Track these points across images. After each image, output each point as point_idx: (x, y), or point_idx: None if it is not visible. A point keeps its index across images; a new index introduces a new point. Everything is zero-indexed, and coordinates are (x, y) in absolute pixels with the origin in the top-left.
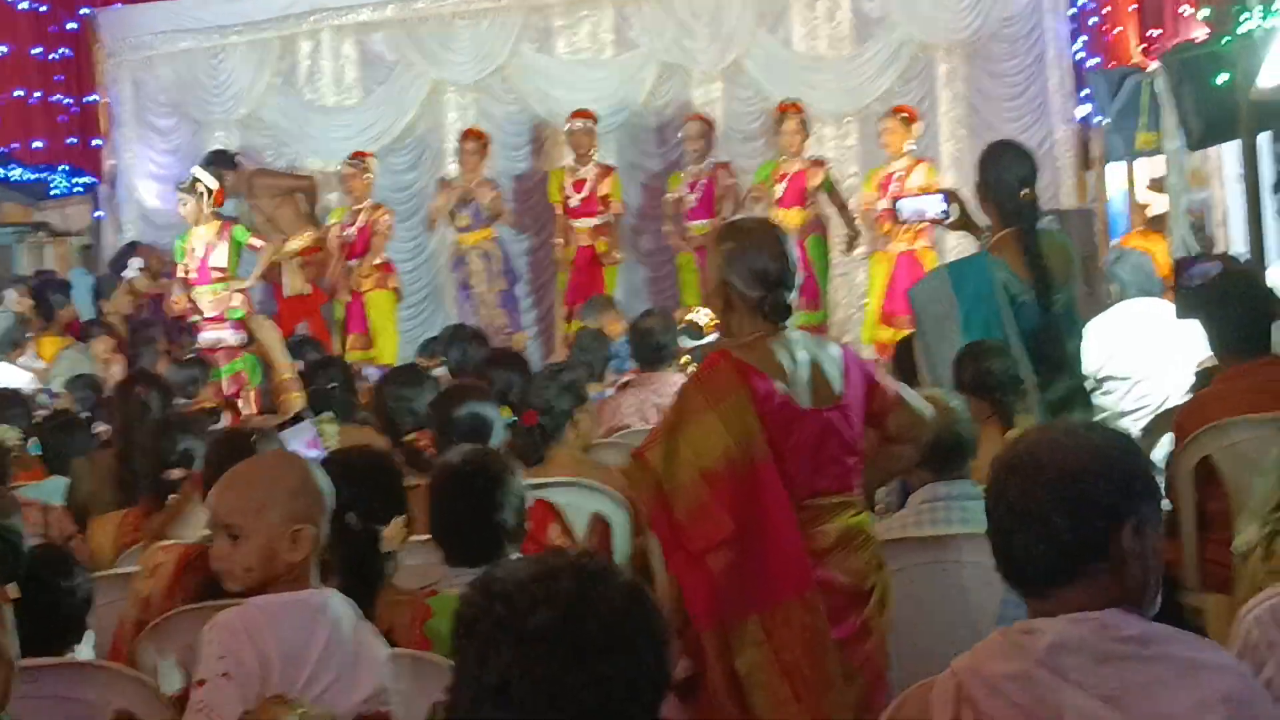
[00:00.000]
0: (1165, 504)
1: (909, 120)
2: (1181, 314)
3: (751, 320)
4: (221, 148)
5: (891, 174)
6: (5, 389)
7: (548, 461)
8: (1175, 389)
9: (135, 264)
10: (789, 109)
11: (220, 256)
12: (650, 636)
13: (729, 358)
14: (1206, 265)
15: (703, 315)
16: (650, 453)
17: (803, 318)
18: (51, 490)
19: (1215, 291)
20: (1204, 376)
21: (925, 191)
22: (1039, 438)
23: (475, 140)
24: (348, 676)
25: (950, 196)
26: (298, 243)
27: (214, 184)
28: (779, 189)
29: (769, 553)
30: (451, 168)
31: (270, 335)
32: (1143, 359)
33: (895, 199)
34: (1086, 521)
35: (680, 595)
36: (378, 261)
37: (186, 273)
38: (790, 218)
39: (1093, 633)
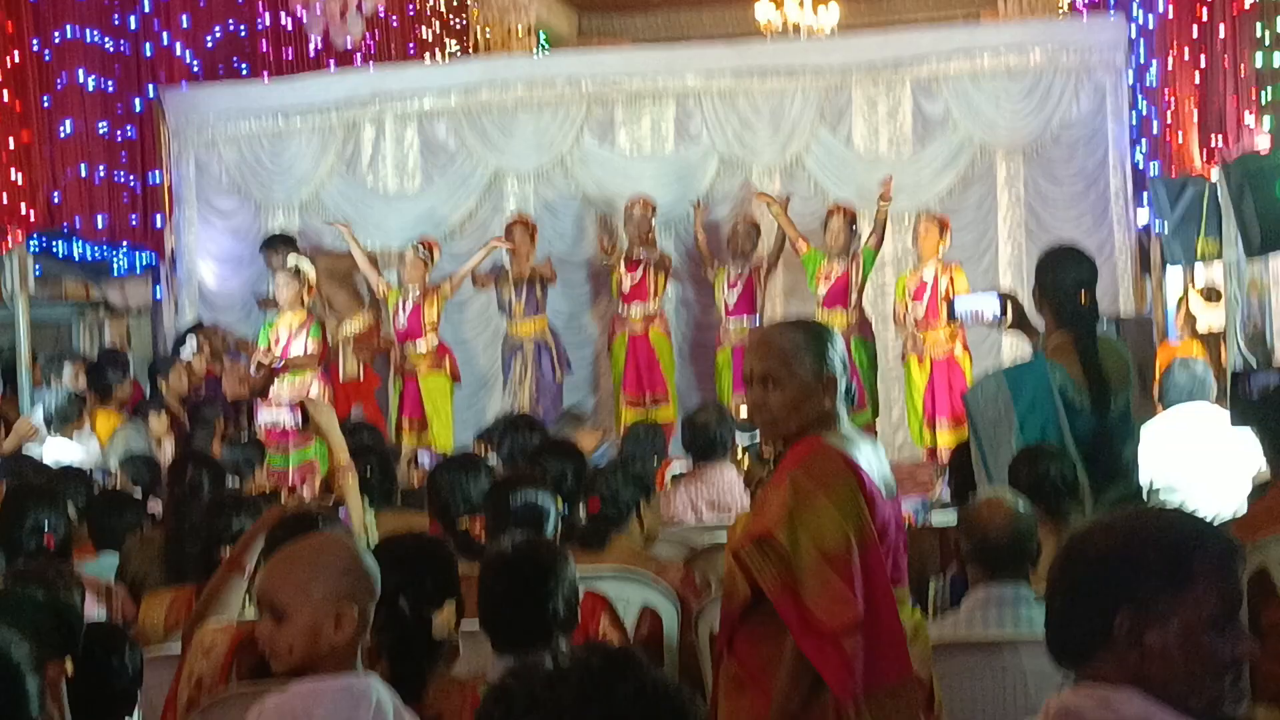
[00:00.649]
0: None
1: (944, 227)
2: (1237, 422)
3: (834, 413)
4: (282, 231)
5: (925, 282)
6: (65, 465)
7: (608, 549)
8: (1227, 498)
9: (192, 343)
10: (835, 210)
11: (299, 346)
12: None
13: (829, 444)
14: (1265, 376)
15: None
16: (779, 533)
17: (857, 418)
18: (105, 567)
19: (1274, 403)
20: (1260, 489)
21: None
22: (1095, 521)
23: (523, 227)
24: None
25: (1005, 297)
26: (354, 325)
27: (312, 273)
28: (822, 289)
29: (880, 635)
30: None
31: (328, 418)
32: (1194, 467)
33: (949, 299)
34: (1078, 605)
35: (795, 677)
36: (433, 346)
37: (270, 360)
38: (834, 319)
39: (1093, 705)
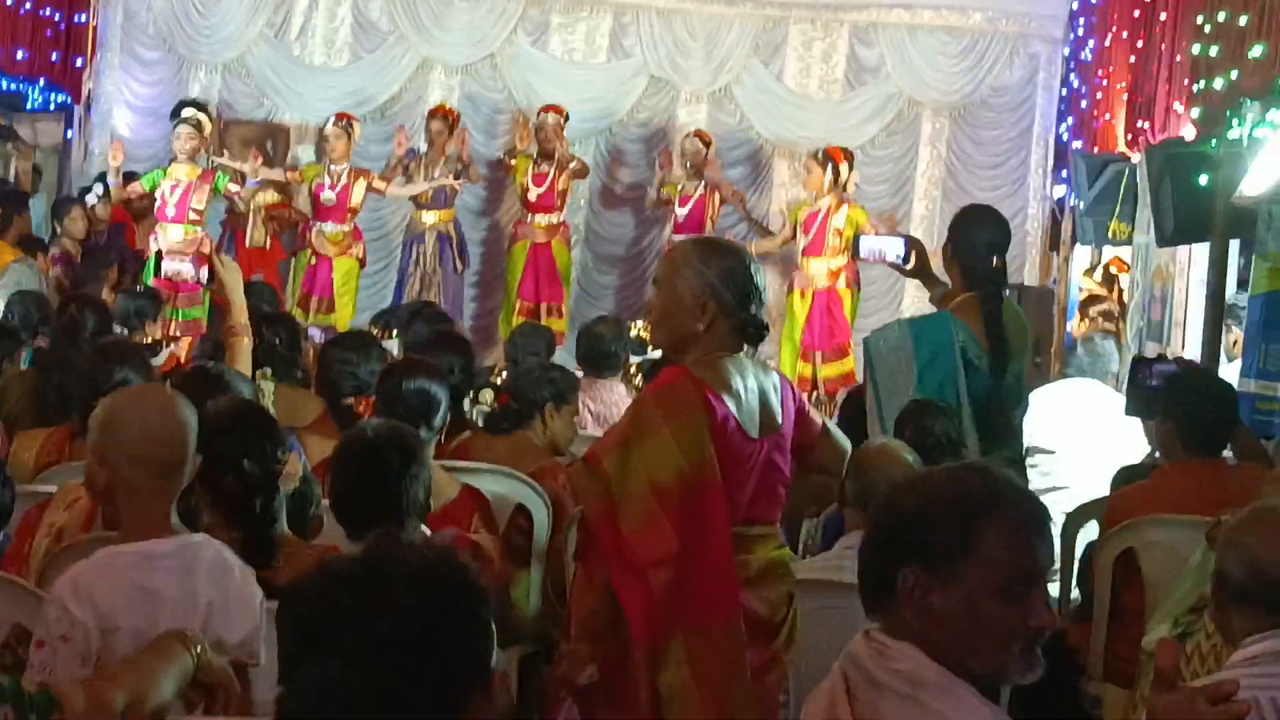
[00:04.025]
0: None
1: (830, 158)
2: (1131, 411)
3: (721, 339)
4: (197, 98)
5: (816, 212)
6: None
7: (510, 437)
8: (1089, 475)
9: (98, 189)
10: (812, 156)
11: (200, 199)
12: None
13: (689, 375)
14: (1165, 365)
15: (646, 330)
16: (606, 460)
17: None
18: None
19: (1182, 388)
20: (1137, 470)
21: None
22: (908, 478)
23: (442, 120)
24: (219, 620)
25: (911, 243)
26: (267, 195)
27: (208, 127)
28: (802, 241)
29: (703, 574)
30: (423, 145)
31: (234, 278)
32: (1071, 438)
33: (856, 234)
34: (869, 558)
35: (609, 599)
36: (349, 229)
37: (160, 207)
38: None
39: (873, 655)
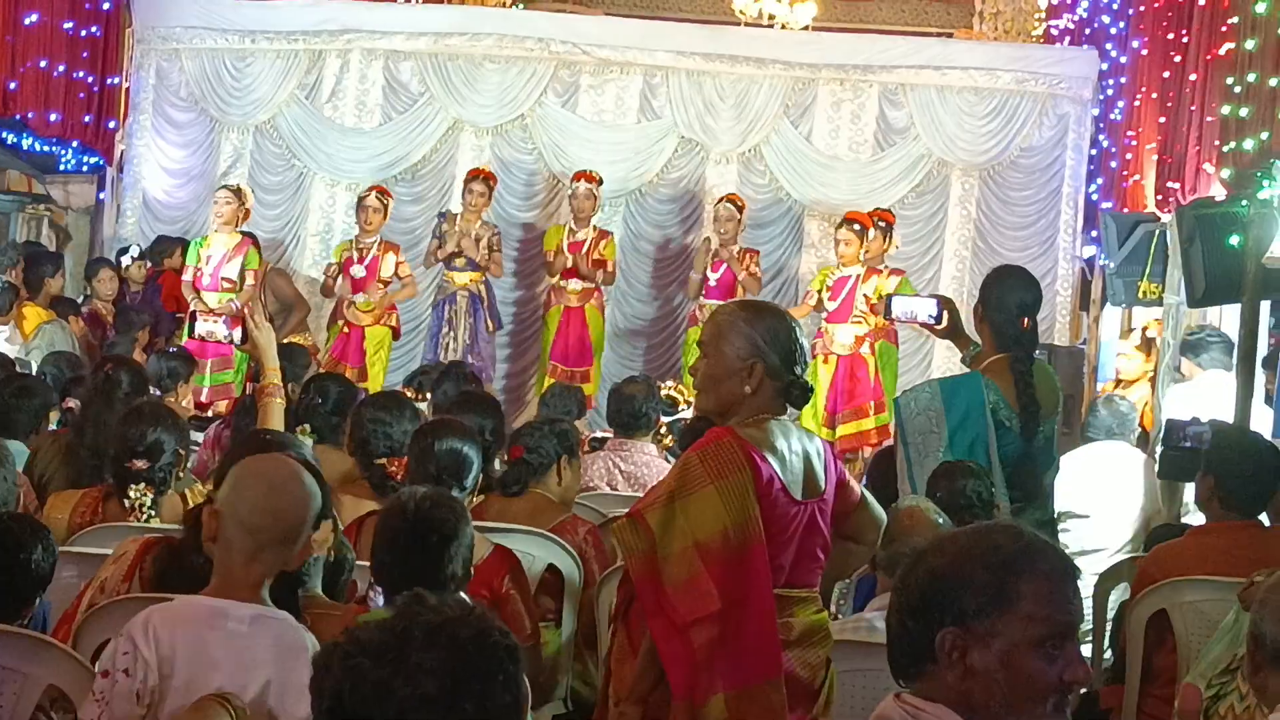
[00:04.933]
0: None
1: (865, 228)
2: (1165, 474)
3: (767, 401)
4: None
5: (845, 279)
6: None
7: (524, 496)
8: (1119, 539)
9: (134, 251)
10: (844, 221)
11: (233, 269)
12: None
13: (735, 435)
14: (1199, 427)
15: (676, 390)
16: (650, 516)
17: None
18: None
19: (1223, 446)
20: (1169, 529)
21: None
22: (938, 538)
23: (483, 182)
24: (277, 700)
25: (944, 303)
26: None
27: (251, 198)
28: (831, 304)
29: (746, 634)
30: (456, 205)
31: (267, 337)
32: (1102, 502)
33: (889, 295)
34: (901, 621)
35: (652, 658)
36: (380, 301)
37: (197, 275)
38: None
39: (901, 717)
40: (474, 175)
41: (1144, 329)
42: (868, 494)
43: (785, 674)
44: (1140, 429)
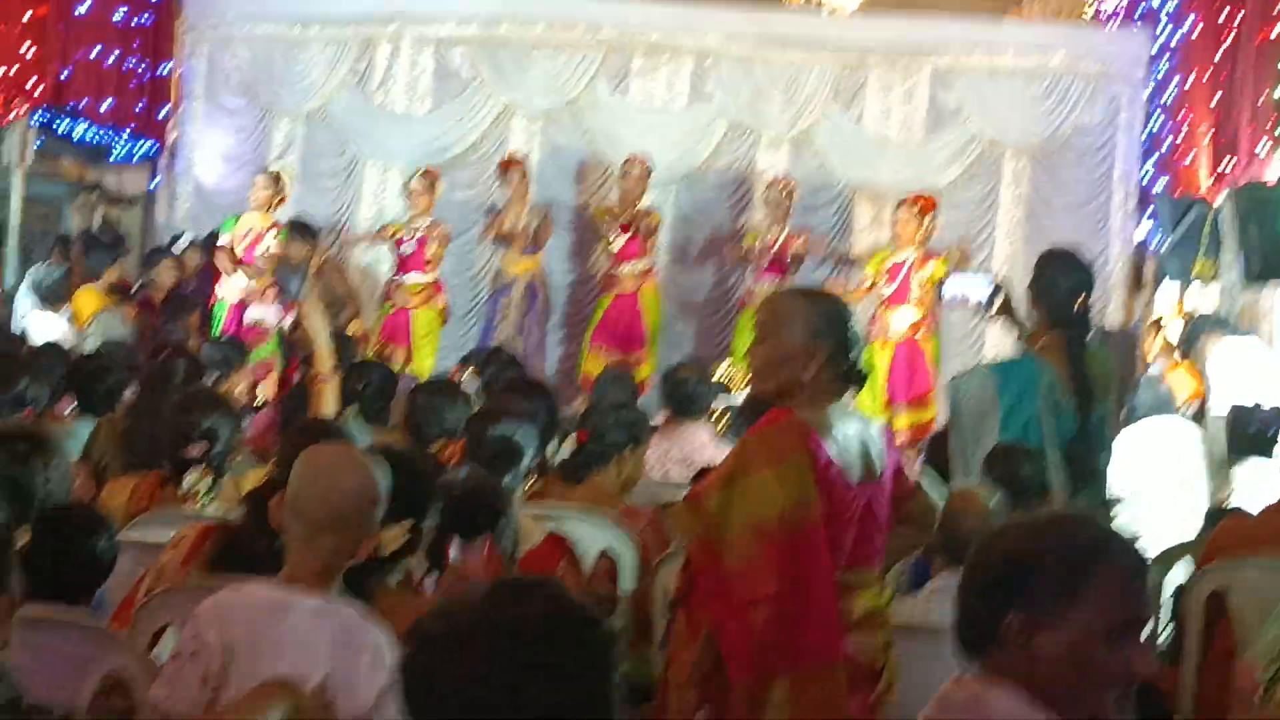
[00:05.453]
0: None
1: (924, 211)
2: (1237, 450)
3: (825, 386)
4: (307, 222)
5: (901, 263)
6: (46, 343)
7: (584, 484)
8: (1182, 514)
9: (187, 238)
10: (903, 201)
11: (263, 245)
12: (580, 660)
13: (794, 419)
14: (1265, 412)
15: (730, 373)
16: (708, 499)
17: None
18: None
19: None
20: (1225, 511)
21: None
22: (1009, 522)
23: (517, 169)
24: (334, 693)
25: (997, 285)
26: (354, 326)
27: (288, 186)
28: (886, 289)
29: (807, 617)
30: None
31: (319, 322)
32: (1156, 480)
33: (942, 278)
34: (970, 602)
35: (711, 640)
36: (429, 280)
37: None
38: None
39: (965, 698)
40: (505, 166)
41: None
42: (923, 481)
43: (846, 657)
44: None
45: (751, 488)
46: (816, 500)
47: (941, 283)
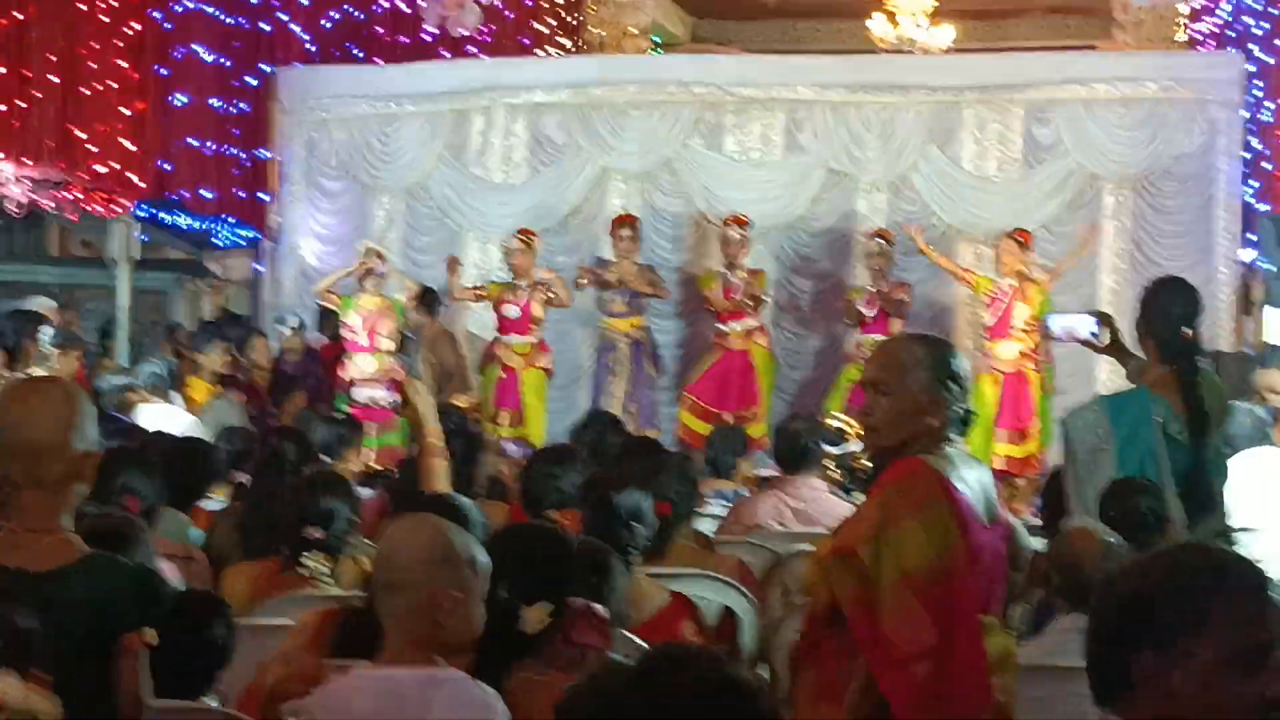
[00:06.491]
0: None
1: (1024, 244)
2: None
3: (945, 432)
4: (435, 291)
5: (1001, 296)
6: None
7: (666, 554)
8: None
9: (291, 320)
10: (1006, 236)
11: (384, 326)
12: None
13: (928, 466)
14: None
15: (841, 421)
16: (862, 550)
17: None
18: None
19: None
20: None
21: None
22: (1128, 563)
23: (629, 227)
24: None
25: (1103, 319)
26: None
27: (388, 267)
28: (989, 318)
29: (958, 664)
30: (608, 254)
31: (425, 400)
32: (1258, 511)
33: (1047, 314)
34: (1098, 648)
35: (866, 696)
36: (535, 340)
37: (354, 334)
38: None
39: None
40: (619, 222)
41: None
42: (1016, 522)
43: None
44: None
45: (899, 538)
46: (961, 546)
47: (1045, 318)
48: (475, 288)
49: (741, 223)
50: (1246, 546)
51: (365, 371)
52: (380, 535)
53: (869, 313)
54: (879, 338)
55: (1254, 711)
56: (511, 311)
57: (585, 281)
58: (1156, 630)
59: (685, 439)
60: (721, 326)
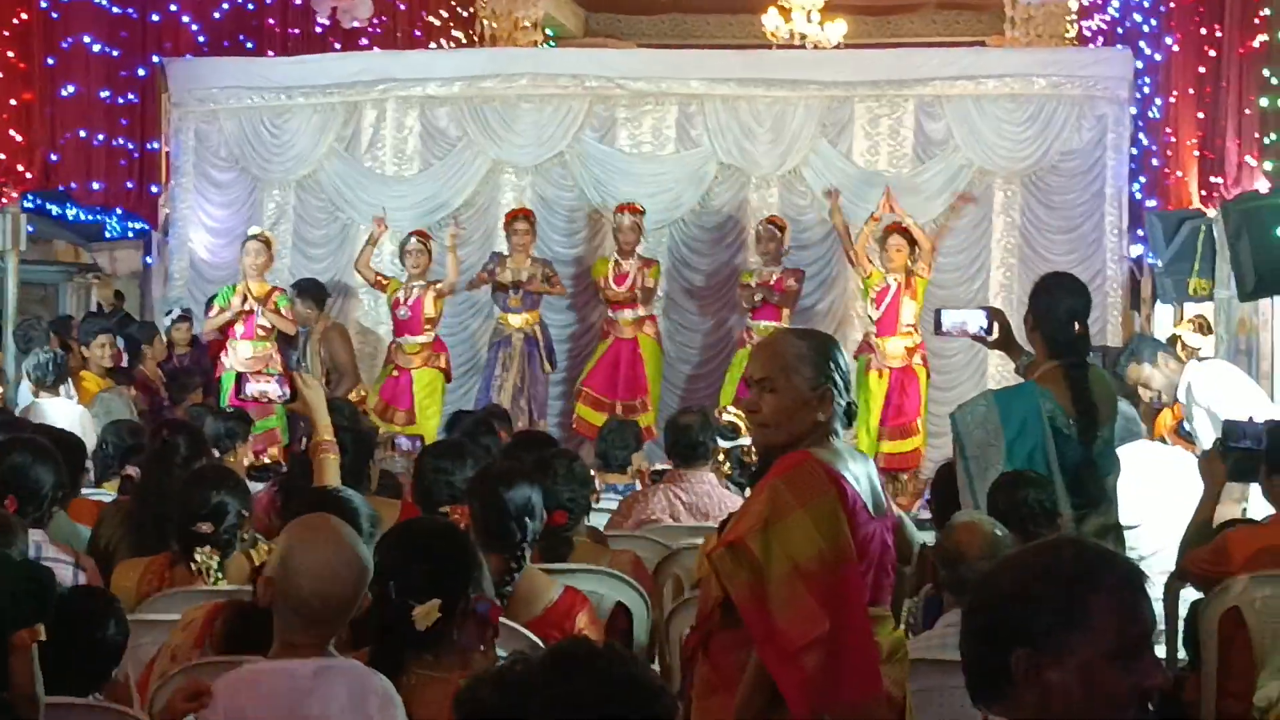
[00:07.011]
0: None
1: (914, 243)
2: (1233, 477)
3: (830, 425)
4: (320, 283)
5: (886, 289)
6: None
7: (567, 560)
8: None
9: (174, 314)
10: (895, 228)
11: (263, 315)
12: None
13: (815, 458)
14: (1254, 426)
15: (734, 415)
16: (752, 542)
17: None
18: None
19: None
20: (1231, 523)
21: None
22: (999, 561)
23: (524, 220)
24: None
25: (993, 314)
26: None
27: (274, 248)
28: (874, 312)
29: (849, 653)
30: (502, 246)
31: (316, 395)
32: (1151, 504)
33: (938, 309)
34: (974, 646)
35: (757, 687)
36: (429, 340)
37: (235, 318)
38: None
39: None
40: (513, 216)
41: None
42: (904, 515)
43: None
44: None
45: (788, 530)
46: (849, 536)
47: (937, 313)
48: (379, 274)
49: (635, 211)
50: (1135, 539)
51: (244, 358)
52: (274, 535)
53: (758, 297)
54: (769, 324)
55: (1130, 704)
56: (403, 313)
57: (481, 283)
58: (1030, 628)
59: (581, 431)
60: (612, 314)
